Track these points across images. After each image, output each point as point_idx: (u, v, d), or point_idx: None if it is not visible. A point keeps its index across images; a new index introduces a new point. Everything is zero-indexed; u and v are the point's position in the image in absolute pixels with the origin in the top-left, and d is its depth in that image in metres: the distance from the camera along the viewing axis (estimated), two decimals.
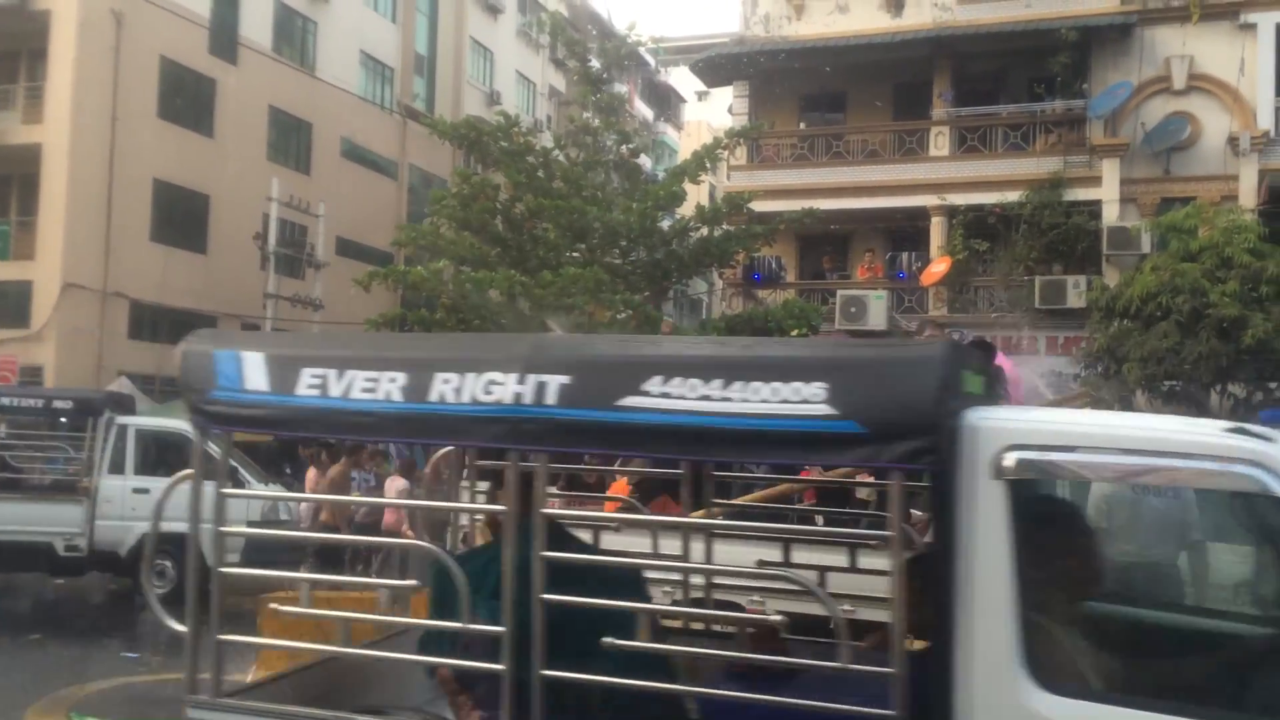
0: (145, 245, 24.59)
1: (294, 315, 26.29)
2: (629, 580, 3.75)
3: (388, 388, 3.45)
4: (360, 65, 31.93)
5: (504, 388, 3.31)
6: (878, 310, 21.27)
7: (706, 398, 3.08)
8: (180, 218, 25.71)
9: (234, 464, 14.24)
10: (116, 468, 13.95)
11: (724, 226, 21.39)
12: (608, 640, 3.19)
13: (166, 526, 13.78)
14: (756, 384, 3.05)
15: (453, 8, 35.53)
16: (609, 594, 3.36)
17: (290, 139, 29.18)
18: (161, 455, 14.44)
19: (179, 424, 15.66)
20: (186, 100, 25.92)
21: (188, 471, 3.87)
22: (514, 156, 20.57)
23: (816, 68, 23.72)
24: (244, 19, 27.51)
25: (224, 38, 26.91)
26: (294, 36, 29.57)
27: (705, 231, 21.44)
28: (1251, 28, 20.62)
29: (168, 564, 13.68)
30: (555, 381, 3.27)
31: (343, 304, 25.38)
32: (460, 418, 3.37)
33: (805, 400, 2.98)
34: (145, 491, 13.73)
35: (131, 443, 14.12)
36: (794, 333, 18.84)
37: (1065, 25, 20.82)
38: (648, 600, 3.93)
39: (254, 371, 3.63)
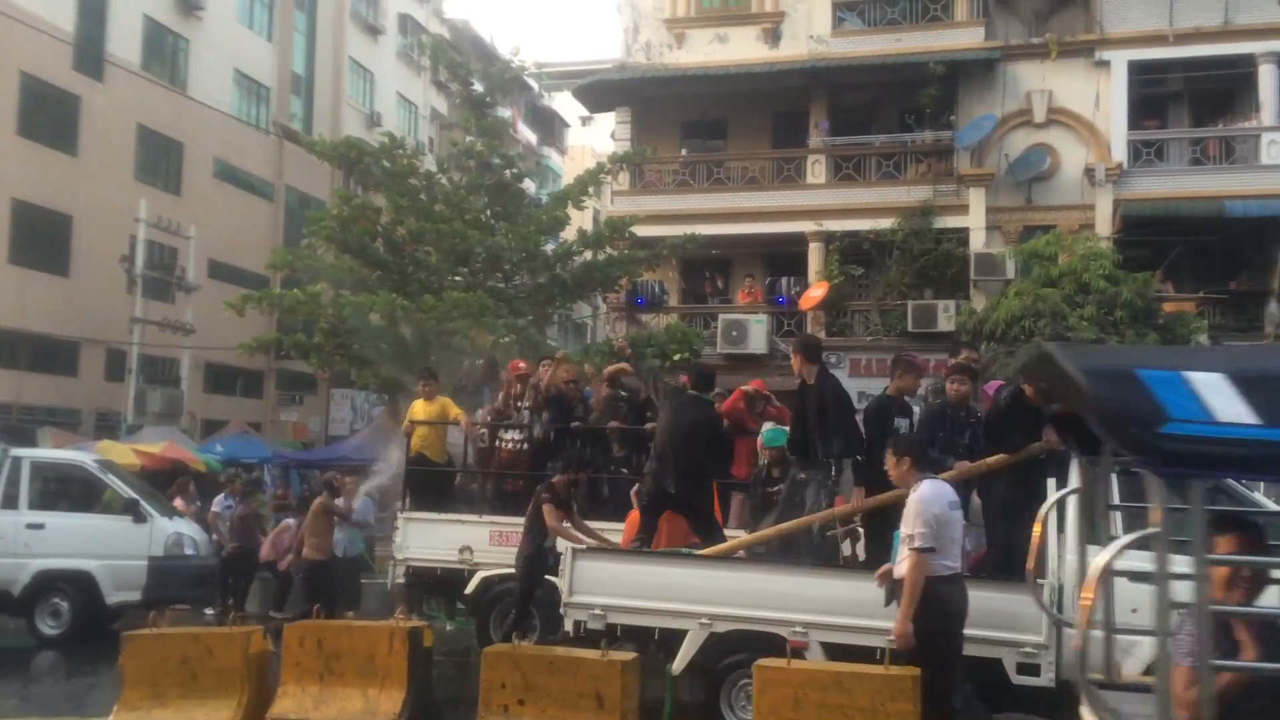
0: (3, 268, 23.46)
1: (163, 340, 25.43)
2: None
3: None
4: (234, 84, 31.14)
5: None
6: (758, 334, 21.64)
7: None
8: (41, 239, 24.59)
9: (135, 496, 13.51)
10: (10, 501, 13.03)
11: (607, 251, 21.51)
12: None
13: (56, 563, 13.06)
14: None
15: (331, 27, 34.98)
16: None
17: (160, 158, 28.25)
18: (62, 488, 13.68)
19: (79, 456, 14.83)
20: (49, 117, 24.86)
21: (1151, 530, 3.04)
22: (396, 179, 20.33)
23: (697, 95, 24.14)
24: (111, 35, 26.57)
25: (90, 54, 25.93)
26: (164, 53, 28.69)
27: (589, 256, 21.52)
28: (1105, 65, 21.75)
29: (62, 603, 12.96)
30: None
31: (215, 328, 24.63)
32: None
33: None
34: (40, 527, 12.99)
35: (26, 475, 13.20)
36: (676, 357, 19.02)
37: (933, 60, 21.63)
38: None
39: (1220, 397, 2.86)
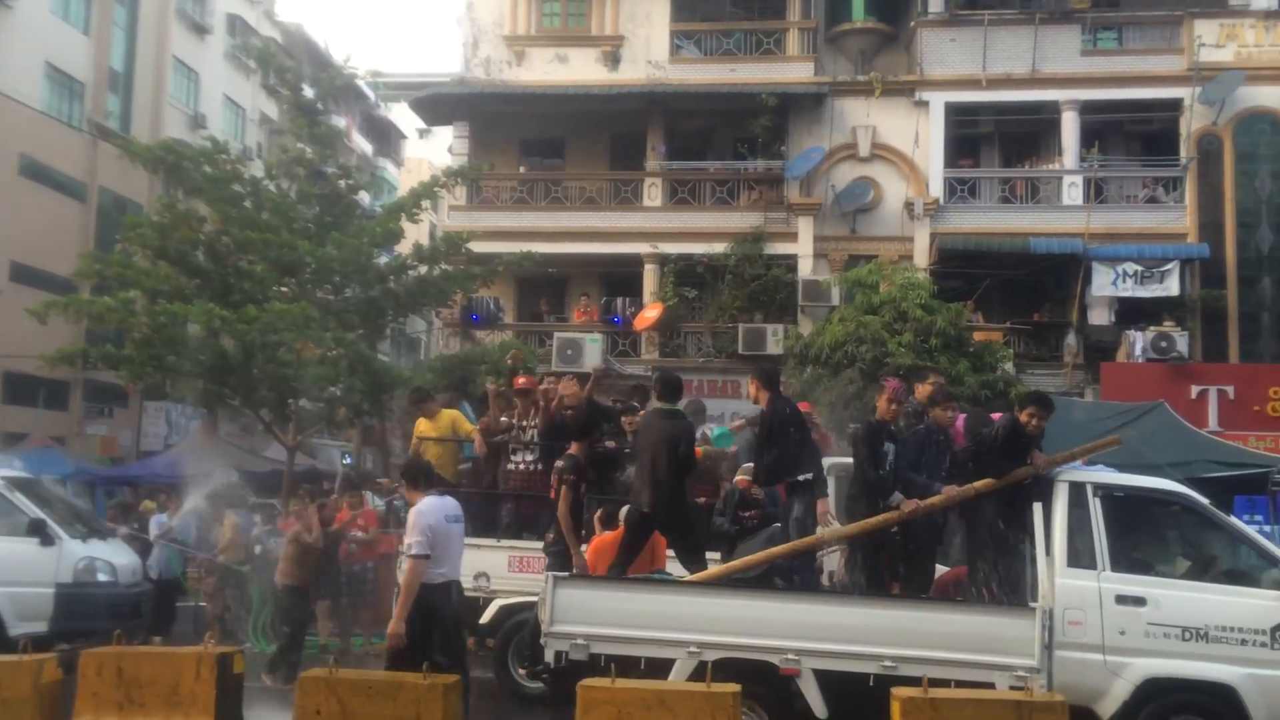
0: None
1: None
2: None
3: None
4: (45, 78, 29.28)
5: None
6: (593, 353, 21.70)
7: None
8: None
9: (42, 516, 11.87)
10: None
11: (443, 266, 21.20)
12: None
13: None
14: None
15: (154, 24, 33.34)
16: None
17: None
18: None
19: None
20: None
21: None
22: (218, 184, 19.50)
23: (537, 113, 24.17)
24: None
25: None
26: None
27: (423, 270, 21.16)
28: (925, 105, 22.90)
29: None
30: None
31: (16, 336, 23.04)
32: None
33: None
34: None
35: None
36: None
37: (765, 91, 22.31)
38: None
39: None
